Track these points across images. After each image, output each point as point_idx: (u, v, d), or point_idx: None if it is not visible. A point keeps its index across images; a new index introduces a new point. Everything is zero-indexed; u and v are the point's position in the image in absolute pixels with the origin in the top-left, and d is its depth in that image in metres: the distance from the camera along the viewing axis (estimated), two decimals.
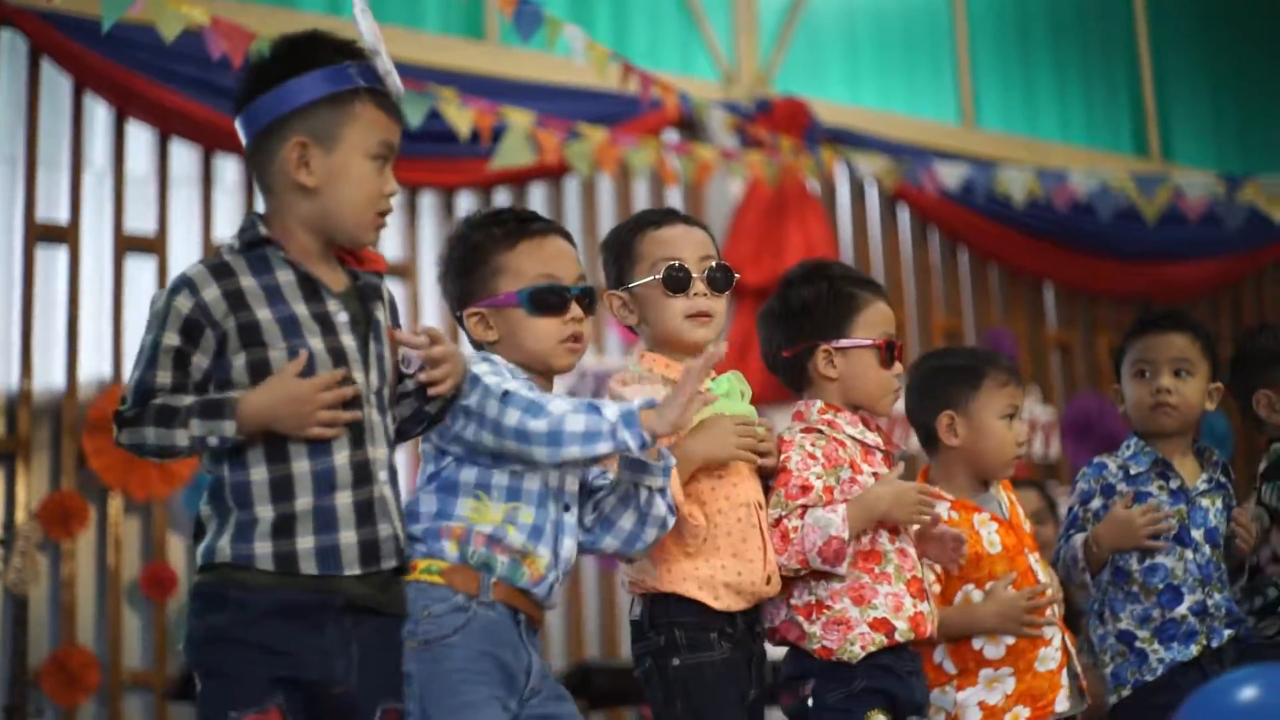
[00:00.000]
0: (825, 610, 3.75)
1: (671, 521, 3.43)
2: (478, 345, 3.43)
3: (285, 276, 2.98)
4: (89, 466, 7.03)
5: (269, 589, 2.91)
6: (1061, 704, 4.06)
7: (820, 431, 3.85)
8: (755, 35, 9.50)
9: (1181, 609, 4.28)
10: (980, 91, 10.37)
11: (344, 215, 3.01)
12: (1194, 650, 4.26)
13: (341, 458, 2.95)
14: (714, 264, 3.69)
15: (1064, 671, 4.08)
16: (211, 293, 2.93)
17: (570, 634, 8.01)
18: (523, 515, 3.24)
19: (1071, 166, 9.56)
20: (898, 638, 3.73)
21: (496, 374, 3.23)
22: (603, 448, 3.10)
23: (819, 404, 3.90)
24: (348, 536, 2.93)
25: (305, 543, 2.91)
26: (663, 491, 3.37)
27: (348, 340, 2.99)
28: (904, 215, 9.81)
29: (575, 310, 3.37)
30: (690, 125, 8.70)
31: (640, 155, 7.75)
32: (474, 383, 3.19)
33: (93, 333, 7.25)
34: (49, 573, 6.91)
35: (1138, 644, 4.30)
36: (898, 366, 3.95)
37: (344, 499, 2.94)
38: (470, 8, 8.50)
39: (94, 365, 7.25)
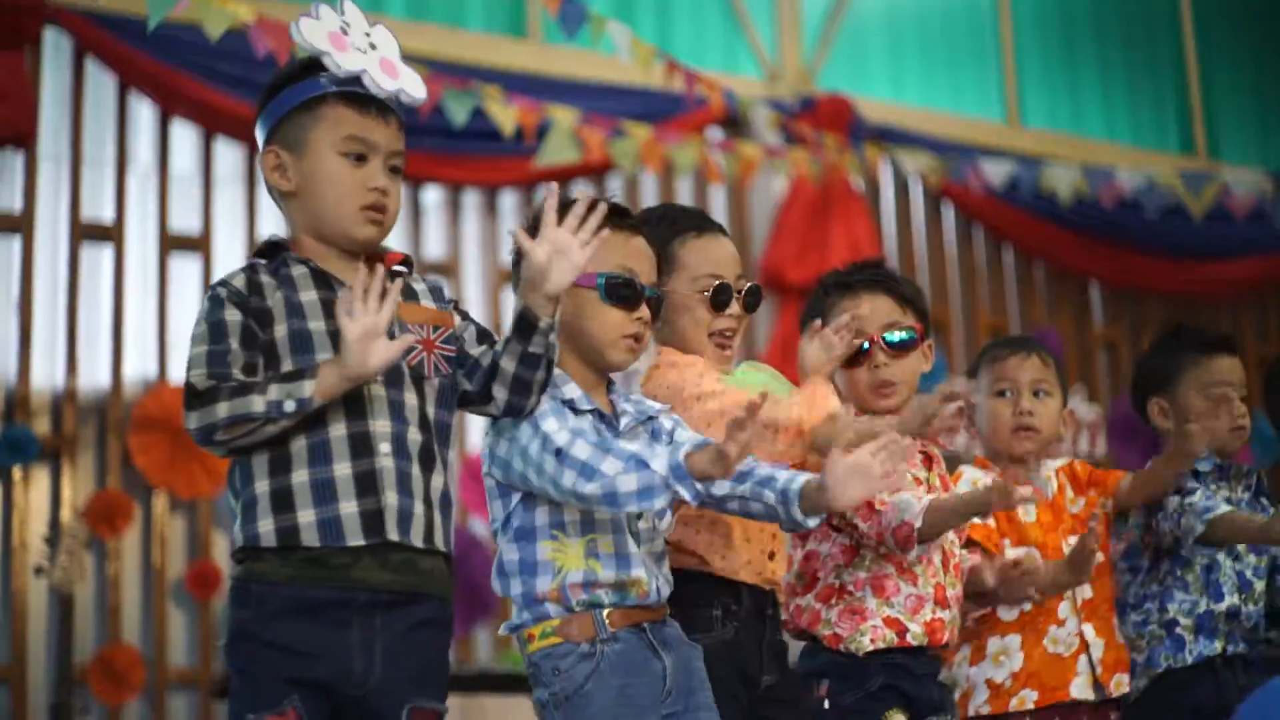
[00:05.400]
0: (846, 597, 3.73)
1: None
2: None
3: (299, 270, 3.09)
4: (134, 465, 7.06)
5: (286, 583, 2.92)
6: (1078, 690, 4.04)
7: None
8: (799, 32, 9.47)
9: (1220, 606, 4.33)
10: (1025, 89, 10.32)
11: (325, 212, 3.10)
12: (1217, 646, 4.31)
13: (337, 429, 2.97)
14: (749, 284, 3.72)
15: (1081, 658, 4.07)
16: (240, 280, 3.05)
17: None
18: (602, 545, 3.22)
19: (1117, 164, 9.51)
20: (909, 639, 3.69)
21: (557, 414, 3.21)
22: (659, 502, 3.09)
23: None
24: (348, 507, 2.94)
25: (305, 516, 2.93)
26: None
27: None
28: (949, 213, 9.77)
29: (644, 311, 3.35)
30: (734, 123, 8.68)
31: (684, 153, 7.73)
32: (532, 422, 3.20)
33: (137, 331, 7.28)
34: (94, 571, 6.94)
35: (1178, 630, 4.34)
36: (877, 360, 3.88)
37: (342, 470, 2.95)
38: (513, 5, 8.50)
39: (139, 364, 7.27)
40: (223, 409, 2.88)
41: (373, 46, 3.16)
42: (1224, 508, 4.24)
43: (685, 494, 3.07)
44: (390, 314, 2.92)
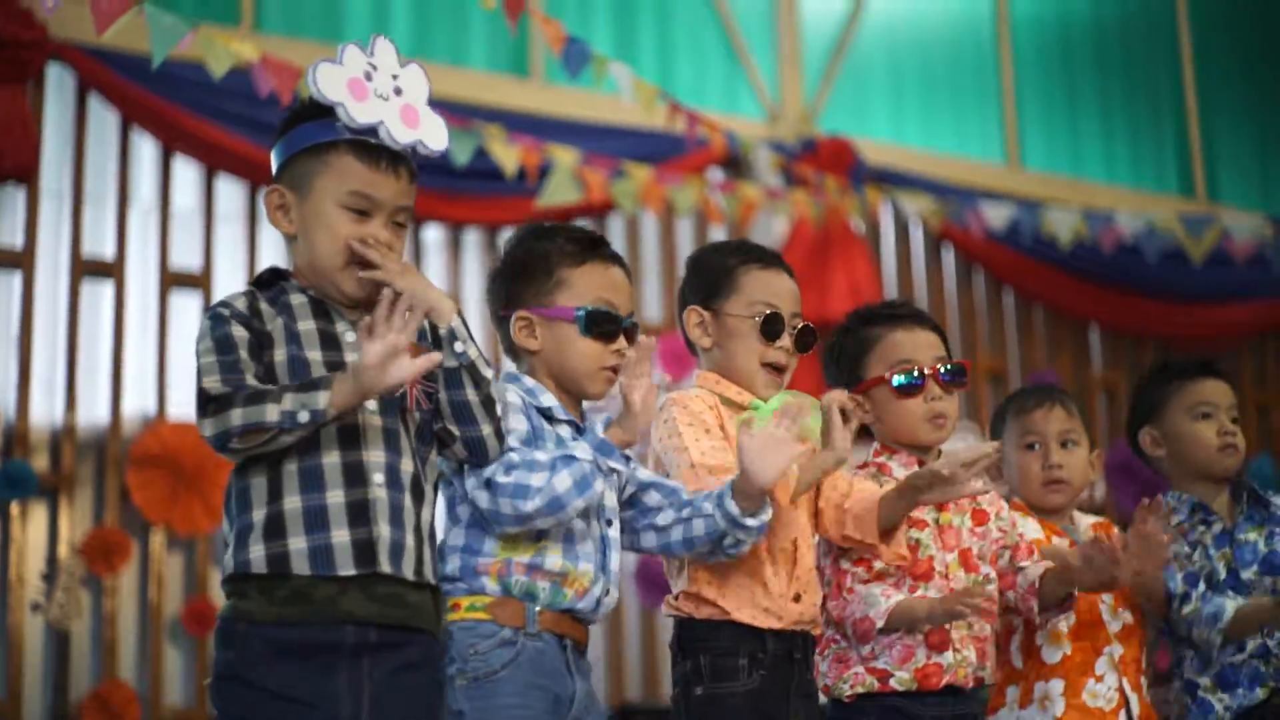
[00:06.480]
0: (832, 644, 3.77)
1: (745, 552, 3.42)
2: (512, 353, 3.46)
3: (298, 299, 3.08)
4: (132, 502, 7.04)
5: (271, 624, 2.91)
6: None
7: (873, 472, 3.85)
8: (800, 74, 9.49)
9: (1242, 655, 4.23)
10: (1025, 131, 10.34)
11: (318, 261, 3.08)
12: (1260, 694, 4.20)
13: (330, 458, 2.95)
14: (802, 324, 3.74)
15: (1121, 714, 4.03)
16: (241, 302, 3.05)
17: (611, 675, 7.96)
18: (550, 550, 3.24)
19: (1117, 207, 9.52)
20: (894, 685, 3.69)
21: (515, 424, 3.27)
22: (599, 485, 3.18)
23: (875, 445, 3.91)
24: (340, 536, 2.91)
25: (297, 543, 2.90)
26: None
27: (350, 357, 3.00)
28: (949, 256, 9.78)
29: (621, 342, 3.39)
30: (735, 164, 8.71)
31: (685, 194, 7.75)
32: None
33: (137, 368, 7.27)
34: (91, 608, 6.92)
35: (1200, 694, 4.26)
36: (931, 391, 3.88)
37: (335, 498, 2.93)
38: (516, 45, 8.52)
39: (138, 401, 7.26)
40: (237, 416, 2.85)
41: (398, 92, 3.10)
42: (1229, 609, 4.16)
43: (619, 466, 3.21)
44: (414, 332, 2.90)
